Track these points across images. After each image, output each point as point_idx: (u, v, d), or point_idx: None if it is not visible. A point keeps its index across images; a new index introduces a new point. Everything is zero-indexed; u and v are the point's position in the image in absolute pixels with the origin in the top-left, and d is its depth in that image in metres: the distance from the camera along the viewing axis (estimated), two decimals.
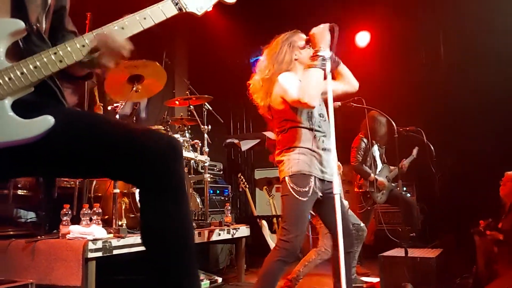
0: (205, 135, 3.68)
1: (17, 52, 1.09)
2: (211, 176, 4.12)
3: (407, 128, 3.57)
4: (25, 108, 1.04)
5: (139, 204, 1.16)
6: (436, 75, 5.12)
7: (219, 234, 3.35)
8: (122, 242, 2.42)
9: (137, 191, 2.84)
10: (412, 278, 2.65)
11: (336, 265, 1.91)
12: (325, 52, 1.97)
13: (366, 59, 5.13)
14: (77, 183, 2.88)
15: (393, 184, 3.99)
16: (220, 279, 3.47)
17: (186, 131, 3.70)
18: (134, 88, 3.07)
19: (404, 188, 4.72)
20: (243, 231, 3.69)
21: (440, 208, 4.22)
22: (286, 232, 2.02)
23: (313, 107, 2.02)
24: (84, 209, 2.50)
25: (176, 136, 3.46)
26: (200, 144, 3.71)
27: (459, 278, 3.26)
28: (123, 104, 3.15)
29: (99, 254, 2.27)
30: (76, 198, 2.84)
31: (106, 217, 2.76)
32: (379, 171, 3.97)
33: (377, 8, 4.96)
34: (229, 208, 3.82)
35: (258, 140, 5.41)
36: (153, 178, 1.08)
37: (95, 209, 2.54)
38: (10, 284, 2.02)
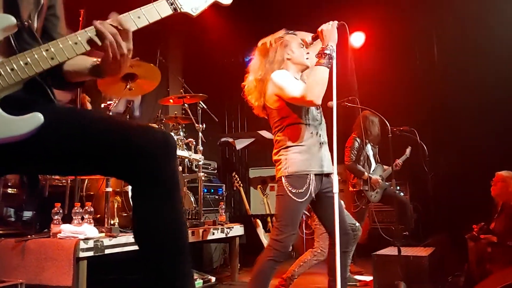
0: (200, 134, 3.66)
1: (7, 48, 1.06)
2: (205, 174, 4.11)
3: (401, 128, 3.61)
4: (14, 105, 1.02)
5: (131, 202, 1.13)
6: (429, 75, 5.16)
7: (213, 233, 3.34)
8: (114, 241, 2.40)
9: (129, 189, 2.81)
10: (405, 277, 2.67)
11: (332, 264, 1.91)
12: (332, 50, 1.98)
13: (361, 59, 5.13)
14: (69, 181, 2.84)
15: (386, 183, 4.01)
16: (213, 278, 3.45)
17: (180, 130, 3.67)
18: (128, 86, 3.06)
19: (398, 187, 4.74)
20: (237, 230, 3.69)
21: (433, 207, 4.25)
22: (279, 232, 2.02)
23: (318, 105, 2.03)
24: (76, 208, 2.47)
25: None
26: (194, 143, 3.69)
27: (451, 276, 3.29)
28: (117, 102, 3.12)
29: (91, 253, 2.24)
30: (68, 196, 2.79)
31: (98, 216, 2.73)
32: (372, 170, 3.98)
33: (371, 8, 4.96)
34: (223, 207, 3.81)
35: (252, 139, 5.41)
36: (146, 174, 1.05)
37: (86, 207, 2.52)
38: None
